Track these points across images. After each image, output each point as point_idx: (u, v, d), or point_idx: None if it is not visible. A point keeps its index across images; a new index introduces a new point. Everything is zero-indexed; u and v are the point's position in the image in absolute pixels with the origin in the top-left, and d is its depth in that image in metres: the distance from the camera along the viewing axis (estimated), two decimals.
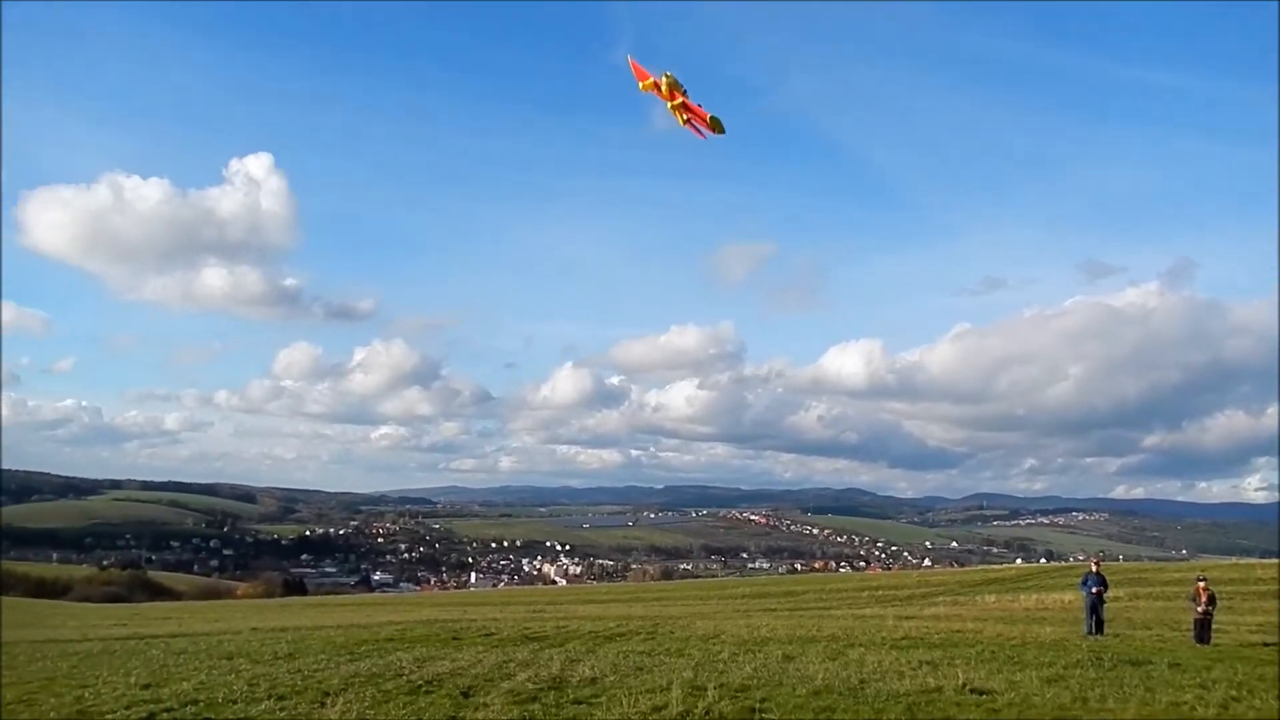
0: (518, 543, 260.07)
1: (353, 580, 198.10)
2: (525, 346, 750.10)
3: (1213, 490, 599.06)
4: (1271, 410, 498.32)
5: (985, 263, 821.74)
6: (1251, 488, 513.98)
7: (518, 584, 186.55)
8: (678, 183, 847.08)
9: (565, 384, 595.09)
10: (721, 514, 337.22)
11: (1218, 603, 25.98)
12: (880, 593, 61.17)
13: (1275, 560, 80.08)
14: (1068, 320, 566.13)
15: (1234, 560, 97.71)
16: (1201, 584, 25.19)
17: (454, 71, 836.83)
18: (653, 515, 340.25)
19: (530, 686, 15.30)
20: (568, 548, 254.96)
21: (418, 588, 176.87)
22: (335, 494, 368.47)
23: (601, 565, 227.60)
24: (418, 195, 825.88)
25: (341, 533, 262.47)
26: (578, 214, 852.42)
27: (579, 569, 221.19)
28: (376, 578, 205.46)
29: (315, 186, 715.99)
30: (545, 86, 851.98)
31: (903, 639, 23.45)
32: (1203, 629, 24.44)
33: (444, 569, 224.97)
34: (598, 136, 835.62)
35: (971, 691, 14.83)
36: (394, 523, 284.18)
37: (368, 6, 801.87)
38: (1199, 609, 24.71)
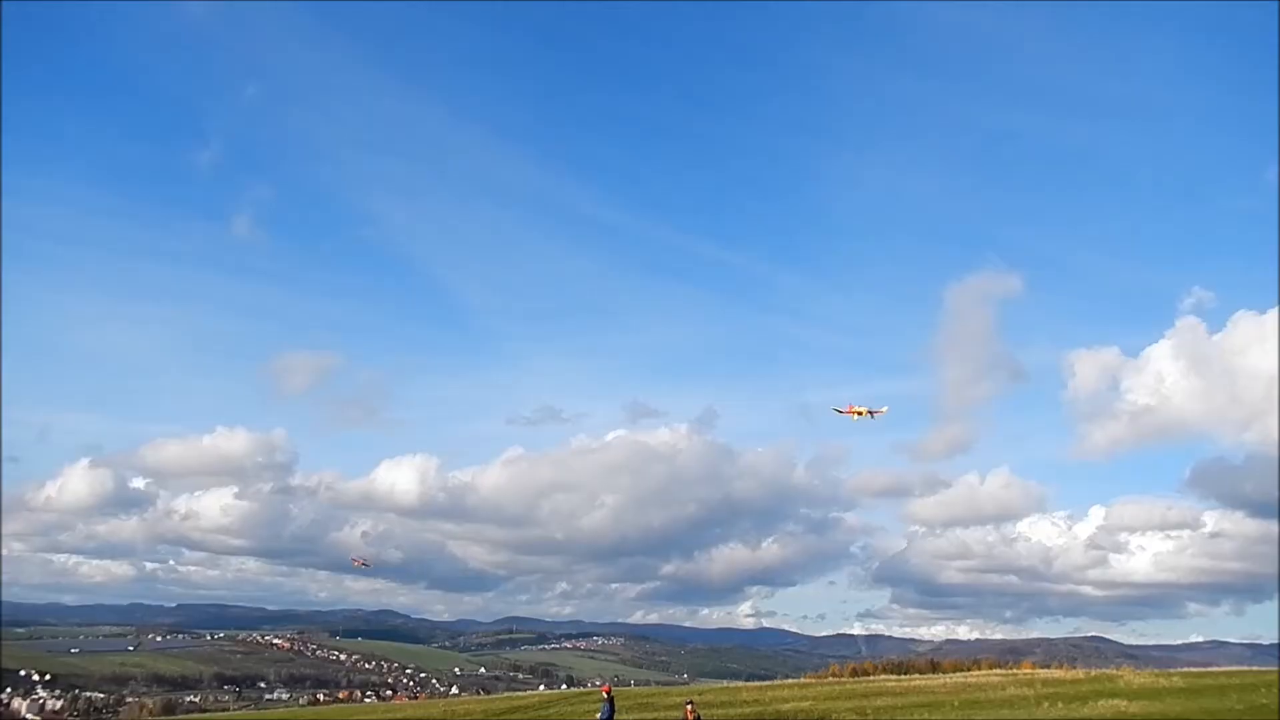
0: None
1: None
2: (34, 439, 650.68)
3: (712, 616, 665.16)
4: (766, 543, 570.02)
5: (544, 393, 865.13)
6: (743, 614, 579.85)
7: None
8: (242, 281, 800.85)
9: (77, 483, 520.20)
10: (241, 637, 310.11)
11: None
12: None
13: (759, 682, 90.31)
14: (609, 453, 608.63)
15: (725, 684, 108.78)
16: (689, 707, 27.90)
17: None
18: (160, 638, 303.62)
19: None
20: (48, 677, 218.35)
21: None
22: None
23: (89, 699, 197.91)
24: None
25: None
26: (120, 298, 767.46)
27: (59, 704, 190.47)
28: None
29: None
30: (97, 156, 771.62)
31: None
32: None
33: None
34: (155, 219, 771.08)
35: None
36: None
37: None
38: None
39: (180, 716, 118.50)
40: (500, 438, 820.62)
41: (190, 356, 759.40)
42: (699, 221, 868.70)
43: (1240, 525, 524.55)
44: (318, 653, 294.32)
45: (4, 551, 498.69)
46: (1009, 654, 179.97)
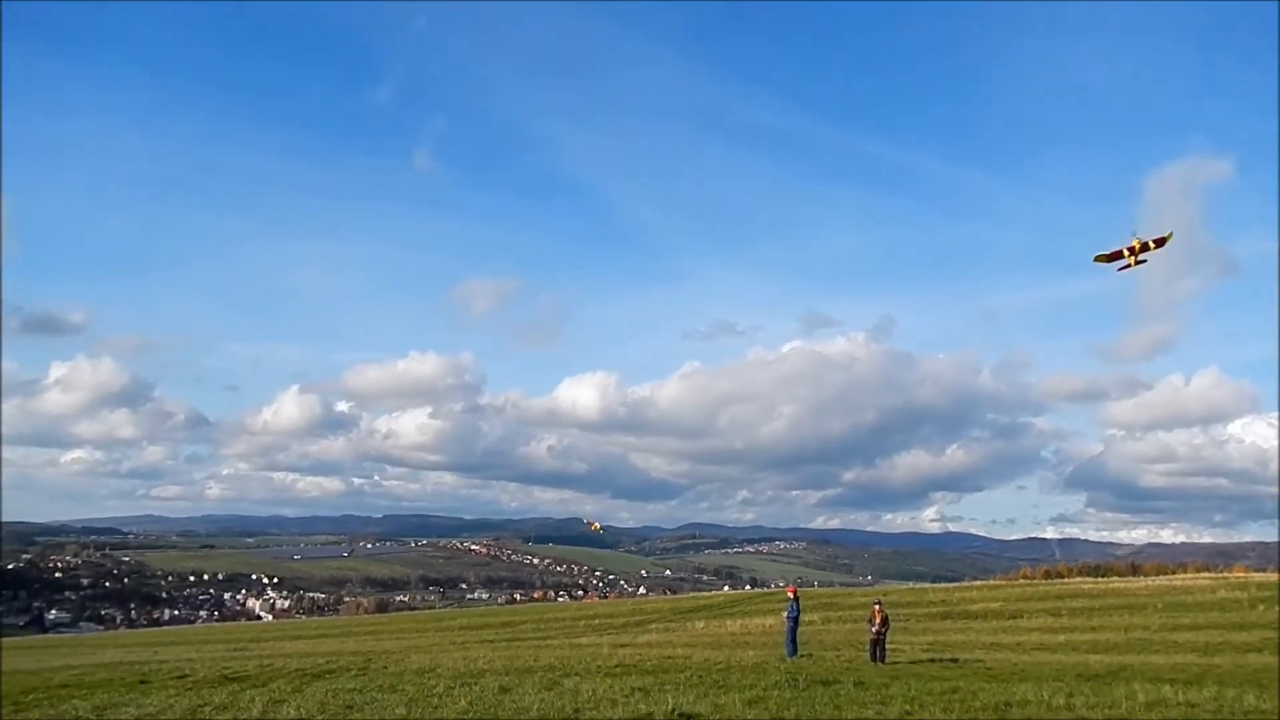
0: (219, 576, 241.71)
1: (22, 620, 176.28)
2: (250, 370, 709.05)
3: (896, 521, 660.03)
4: (951, 450, 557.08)
5: (718, 307, 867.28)
6: (928, 519, 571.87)
7: (218, 620, 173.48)
8: (428, 214, 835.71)
9: (289, 409, 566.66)
10: (442, 544, 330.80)
11: (891, 624, 28.61)
12: (597, 621, 62.25)
13: (946, 584, 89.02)
14: (785, 365, 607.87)
15: (910, 585, 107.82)
16: (876, 607, 27.66)
17: (184, 78, 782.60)
18: (370, 546, 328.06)
19: None
20: (276, 580, 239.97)
21: (101, 627, 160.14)
22: (5, 523, 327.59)
23: (312, 598, 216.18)
24: (141, 206, 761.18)
25: (10, 566, 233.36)
26: (317, 237, 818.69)
27: (287, 603, 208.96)
28: (51, 616, 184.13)
29: (26, 188, 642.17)
30: (290, 106, 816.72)
31: (617, 666, 24.01)
32: (876, 648, 26.81)
33: (132, 605, 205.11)
34: (344, 161, 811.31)
35: (680, 716, 15.45)
36: (75, 555, 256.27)
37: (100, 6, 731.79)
38: (873, 630, 27.12)
39: (393, 614, 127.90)
40: (676, 353, 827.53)
41: (382, 288, 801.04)
42: (875, 125, 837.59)
43: None
44: (512, 557, 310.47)
45: (229, 471, 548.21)
46: (1219, 557, 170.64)
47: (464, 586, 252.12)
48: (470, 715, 15.49)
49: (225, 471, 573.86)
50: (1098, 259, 20.40)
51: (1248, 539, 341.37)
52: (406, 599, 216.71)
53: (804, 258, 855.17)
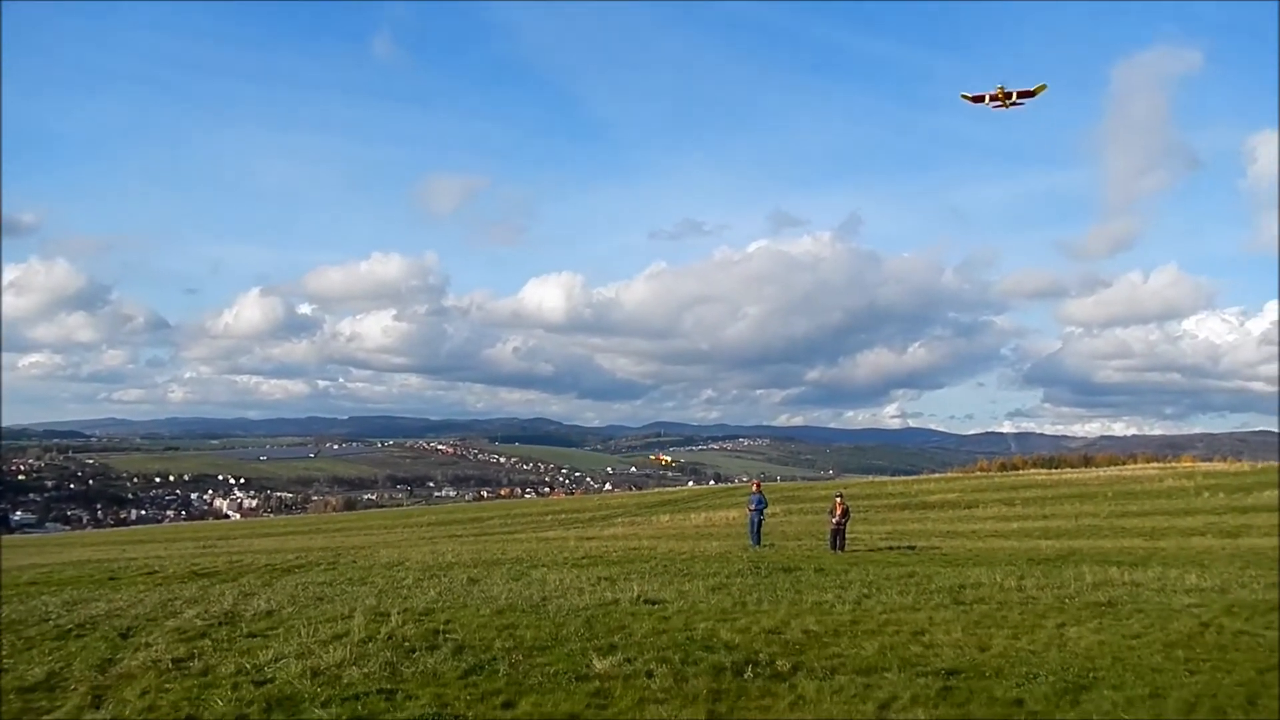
0: (185, 477, 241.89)
1: None
2: (211, 272, 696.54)
3: (858, 418, 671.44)
4: (913, 348, 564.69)
5: (685, 206, 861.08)
6: (889, 415, 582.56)
7: (185, 520, 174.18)
8: (390, 107, 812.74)
9: (251, 311, 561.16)
10: (408, 444, 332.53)
11: (851, 515, 29.37)
12: (563, 516, 63.32)
13: (905, 477, 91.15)
14: (751, 265, 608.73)
15: (870, 478, 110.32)
16: (838, 499, 28.32)
17: None
18: (336, 447, 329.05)
19: (199, 623, 14.48)
20: (242, 481, 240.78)
21: (67, 527, 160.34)
22: None
23: (280, 498, 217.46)
24: (92, 101, 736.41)
25: None
26: (278, 131, 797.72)
27: (255, 502, 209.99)
28: (16, 518, 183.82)
29: None
30: None
31: (583, 558, 24.50)
32: (836, 537, 27.55)
33: (98, 506, 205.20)
34: (303, 48, 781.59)
35: (645, 602, 15.83)
36: (38, 458, 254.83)
37: None
38: (834, 521, 27.84)
39: (361, 511, 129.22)
40: (643, 252, 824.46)
41: (344, 185, 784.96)
42: (848, 13, 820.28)
43: None
44: (479, 456, 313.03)
45: (191, 374, 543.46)
46: (1168, 449, 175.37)
47: (431, 485, 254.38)
48: (439, 604, 15.78)
49: (188, 375, 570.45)
50: (964, 97, 20.47)
51: (1196, 430, 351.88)
52: (374, 498, 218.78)
53: (772, 154, 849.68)
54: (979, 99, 20.70)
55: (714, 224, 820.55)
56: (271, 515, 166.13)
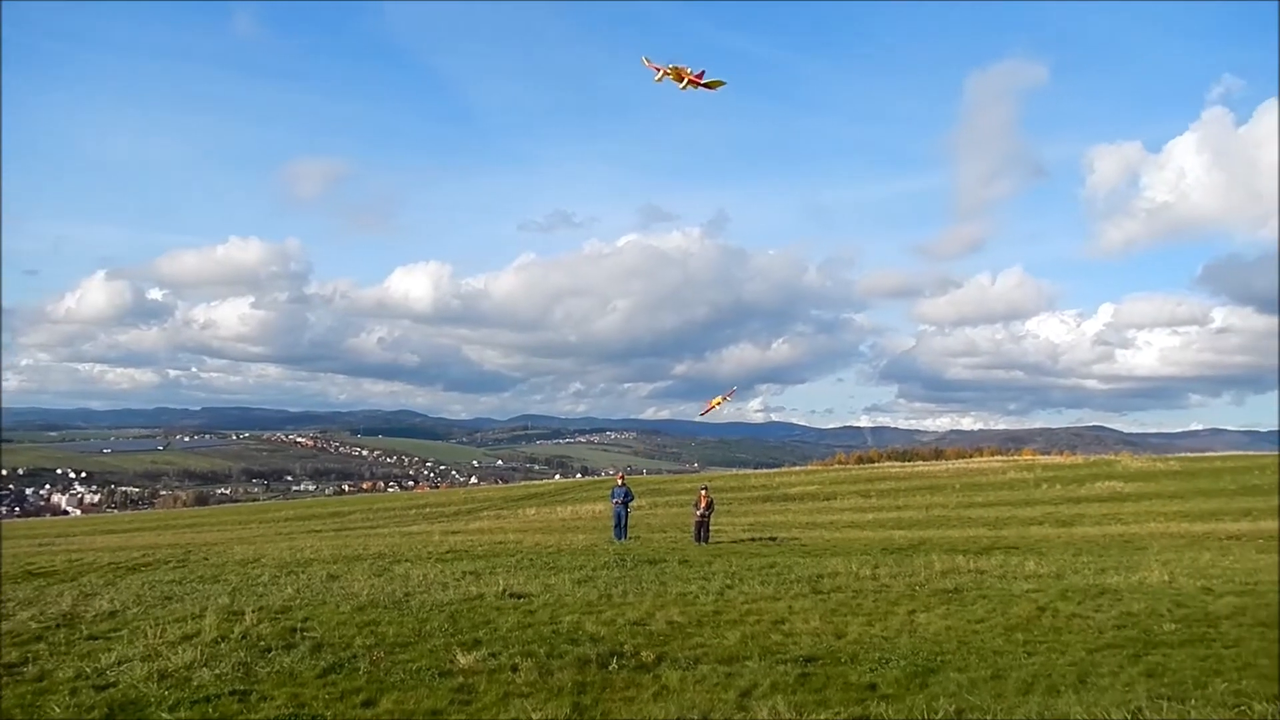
0: (19, 471, 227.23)
1: None
2: (51, 252, 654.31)
3: (723, 412, 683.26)
4: (777, 344, 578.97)
5: (556, 197, 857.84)
6: (753, 409, 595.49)
7: (19, 517, 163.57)
8: (253, 84, 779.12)
9: (96, 295, 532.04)
10: (265, 436, 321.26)
11: (715, 507, 29.92)
12: (428, 510, 62.30)
13: (768, 470, 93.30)
14: (621, 258, 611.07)
15: (734, 471, 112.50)
16: (703, 492, 28.82)
17: None
18: (187, 439, 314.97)
19: (34, 626, 13.65)
20: (84, 475, 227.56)
21: None
22: None
23: (125, 493, 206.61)
24: None
25: None
26: (128, 103, 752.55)
27: (97, 497, 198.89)
28: None
29: None
30: None
31: (448, 552, 24.20)
32: (700, 529, 28.02)
33: None
34: (162, 17, 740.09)
35: (510, 595, 15.77)
36: None
37: None
38: (698, 513, 28.32)
39: (214, 506, 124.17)
40: (513, 243, 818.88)
41: (200, 164, 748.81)
42: (720, 9, 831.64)
43: (1248, 320, 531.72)
44: (340, 449, 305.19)
45: (28, 361, 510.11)
46: (1011, 443, 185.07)
47: (290, 479, 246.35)
48: (297, 602, 15.33)
49: (24, 362, 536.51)
50: (644, 62, 21.06)
51: (1036, 425, 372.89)
52: (228, 492, 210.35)
53: (644, 148, 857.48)
54: (657, 70, 21.22)
55: (584, 216, 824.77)
56: (116, 511, 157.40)
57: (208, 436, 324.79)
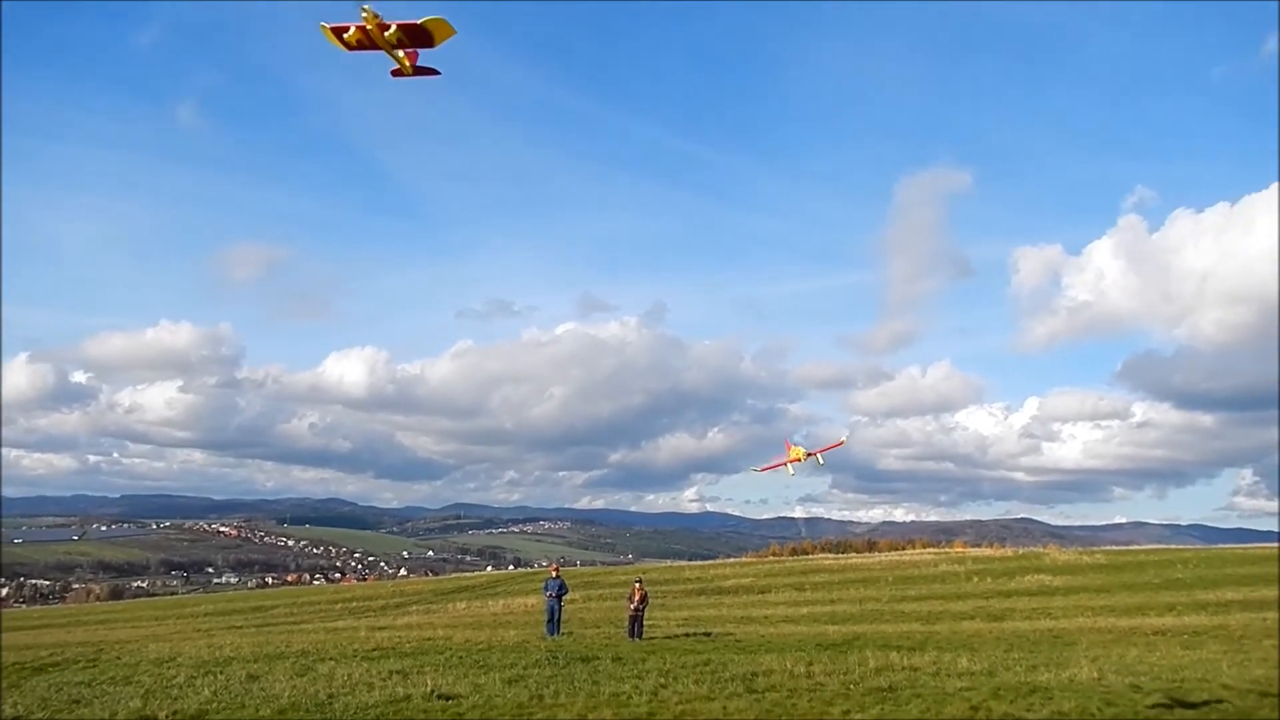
0: None
1: None
2: None
3: (658, 501, 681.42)
4: (712, 433, 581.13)
5: (495, 286, 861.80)
6: (688, 499, 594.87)
7: None
8: (191, 172, 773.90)
9: (16, 378, 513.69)
10: (187, 526, 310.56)
11: (650, 601, 29.58)
12: (354, 604, 60.55)
13: (702, 562, 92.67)
14: (559, 346, 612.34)
15: (669, 563, 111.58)
16: (637, 585, 28.50)
17: None
18: (105, 528, 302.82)
19: None
20: None
21: None
22: None
23: (35, 586, 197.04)
24: None
25: None
26: (58, 185, 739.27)
27: (4, 591, 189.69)
28: None
29: None
30: (34, 37, 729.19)
31: (374, 650, 23.49)
32: (634, 624, 27.63)
33: None
34: (94, 104, 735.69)
35: (439, 697, 15.33)
36: None
37: None
38: (631, 607, 27.96)
39: (129, 600, 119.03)
40: (450, 330, 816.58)
41: (133, 248, 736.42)
42: (657, 110, 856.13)
43: (1166, 415, 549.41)
44: (265, 539, 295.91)
45: None
46: (942, 534, 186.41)
47: (210, 570, 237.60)
48: (214, 705, 14.71)
49: None
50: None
51: (966, 517, 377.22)
52: (145, 585, 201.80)
53: (582, 240, 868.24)
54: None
55: (523, 305, 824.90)
56: (24, 605, 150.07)
57: (126, 525, 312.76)
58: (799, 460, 26.76)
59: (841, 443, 27.97)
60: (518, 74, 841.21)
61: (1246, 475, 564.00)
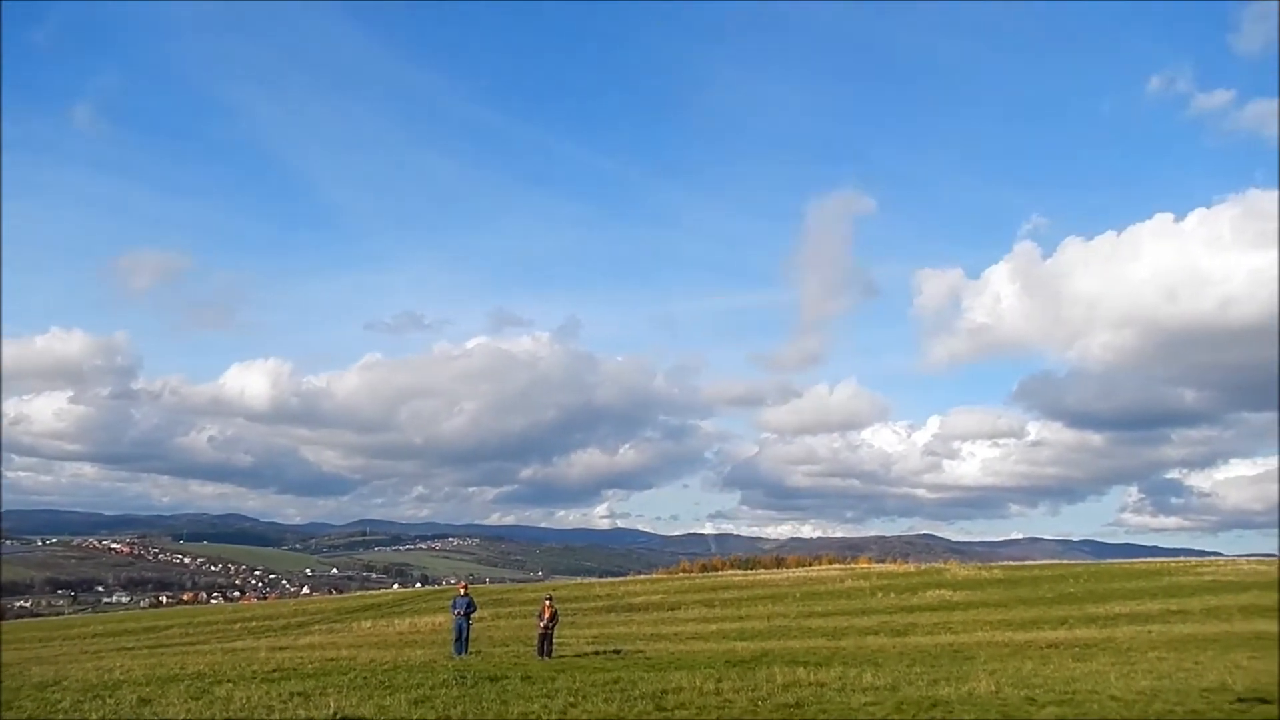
0: None
1: None
2: None
3: (569, 518, 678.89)
4: (624, 449, 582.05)
5: (405, 299, 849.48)
6: (599, 515, 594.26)
7: None
8: (85, 174, 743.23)
9: None
10: (75, 543, 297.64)
11: (559, 619, 29.41)
12: (254, 624, 58.78)
13: (612, 579, 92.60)
14: (470, 361, 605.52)
15: (579, 580, 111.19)
16: (547, 602, 28.33)
17: None
18: None
19: None
20: None
21: None
22: None
23: None
24: None
25: None
26: None
27: None
28: None
29: None
30: None
31: (274, 671, 22.85)
32: (544, 642, 27.46)
33: None
34: None
35: (342, 719, 14.99)
36: None
37: None
38: (541, 625, 27.79)
39: (11, 621, 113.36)
40: (359, 343, 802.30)
41: (22, 252, 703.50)
42: (573, 128, 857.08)
43: (1059, 434, 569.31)
44: (160, 556, 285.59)
45: None
46: (848, 550, 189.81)
47: (100, 589, 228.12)
48: None
49: None
50: None
51: (871, 533, 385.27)
52: (28, 604, 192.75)
53: (496, 253, 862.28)
54: None
55: (434, 318, 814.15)
56: None
57: (10, 542, 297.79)
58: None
59: None
60: (430, 84, 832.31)
61: (1133, 492, 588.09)
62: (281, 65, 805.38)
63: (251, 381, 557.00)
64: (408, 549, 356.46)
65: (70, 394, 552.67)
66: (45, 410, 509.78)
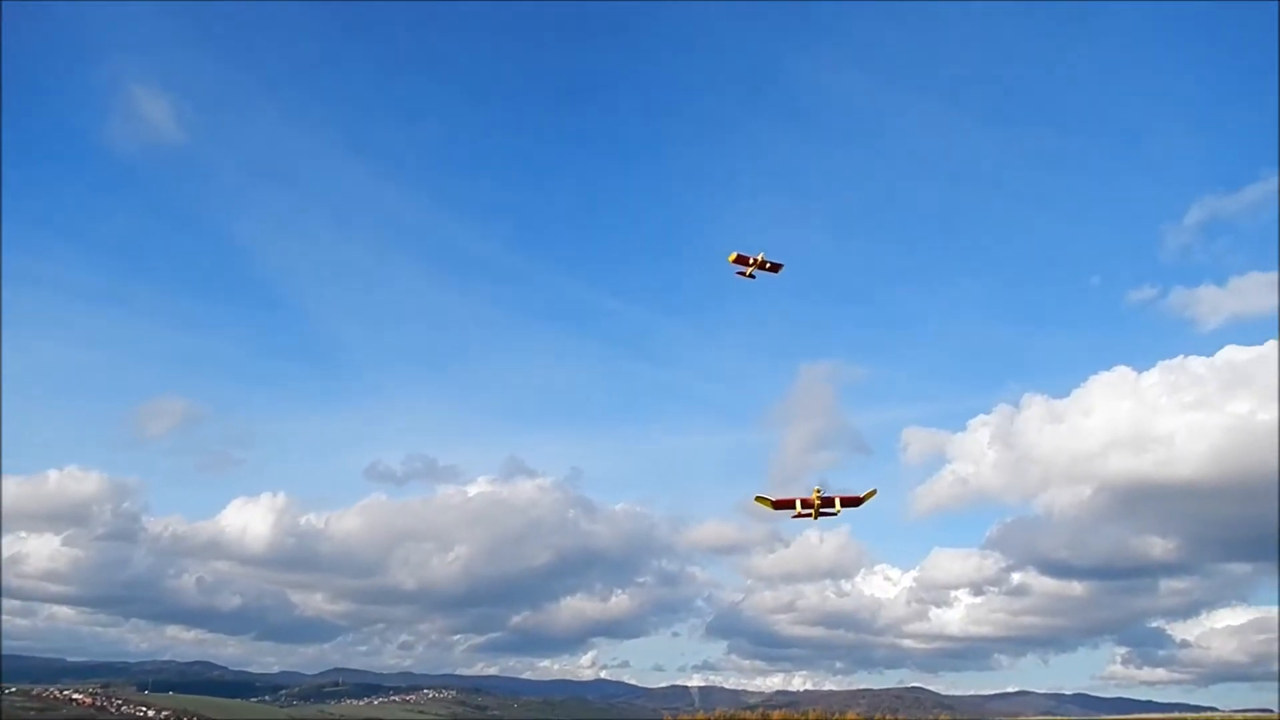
0: None
1: None
2: None
3: (553, 668, 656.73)
4: (615, 596, 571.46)
5: (414, 439, 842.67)
6: (584, 665, 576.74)
7: None
8: (91, 310, 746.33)
9: None
10: (35, 691, 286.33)
11: None
12: None
13: None
14: (472, 505, 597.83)
15: None
16: None
17: None
18: None
19: None
20: None
21: None
22: None
23: None
24: None
25: None
26: None
27: None
28: None
29: None
30: None
31: None
32: None
33: None
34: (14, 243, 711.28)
35: None
36: None
37: None
38: None
39: None
40: (361, 483, 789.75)
41: (28, 389, 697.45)
42: (582, 266, 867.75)
43: (1039, 581, 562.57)
44: (123, 708, 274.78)
45: None
46: (836, 705, 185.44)
47: None
48: None
49: None
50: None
51: (860, 686, 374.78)
52: None
53: (502, 395, 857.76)
54: (741, 260, 22.18)
55: (445, 463, 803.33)
56: None
57: None
58: (811, 508, 26.12)
59: (873, 493, 28.27)
60: (440, 221, 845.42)
61: (1118, 643, 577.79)
62: (289, 201, 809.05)
63: (252, 519, 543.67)
64: (380, 701, 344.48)
65: (68, 533, 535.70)
66: (42, 550, 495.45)
